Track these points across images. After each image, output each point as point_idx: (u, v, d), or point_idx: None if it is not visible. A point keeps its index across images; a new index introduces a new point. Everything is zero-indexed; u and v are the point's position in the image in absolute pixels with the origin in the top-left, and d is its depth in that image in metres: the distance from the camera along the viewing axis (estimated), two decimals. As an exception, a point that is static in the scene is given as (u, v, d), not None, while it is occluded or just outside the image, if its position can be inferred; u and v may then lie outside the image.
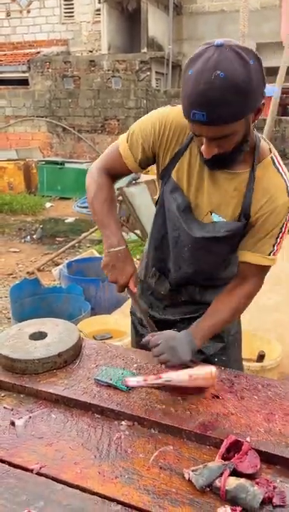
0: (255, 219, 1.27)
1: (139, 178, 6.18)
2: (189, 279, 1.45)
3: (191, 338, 1.26)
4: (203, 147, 1.13)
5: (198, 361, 1.30)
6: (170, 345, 1.22)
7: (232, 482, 0.89)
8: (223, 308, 1.32)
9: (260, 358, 2.62)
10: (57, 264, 5.15)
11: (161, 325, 1.51)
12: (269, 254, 1.28)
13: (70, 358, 1.33)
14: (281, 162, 1.28)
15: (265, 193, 1.24)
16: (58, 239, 6.74)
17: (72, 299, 3.70)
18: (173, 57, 11.25)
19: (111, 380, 1.21)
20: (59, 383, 1.23)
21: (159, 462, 0.98)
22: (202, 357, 1.46)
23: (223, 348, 1.52)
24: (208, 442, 1.04)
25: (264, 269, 1.33)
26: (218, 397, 1.18)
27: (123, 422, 1.10)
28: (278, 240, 1.28)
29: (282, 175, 1.25)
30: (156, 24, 11.53)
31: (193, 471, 0.93)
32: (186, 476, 0.93)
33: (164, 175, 1.35)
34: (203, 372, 1.18)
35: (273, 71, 9.36)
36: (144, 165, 1.37)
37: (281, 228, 1.26)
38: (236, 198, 1.27)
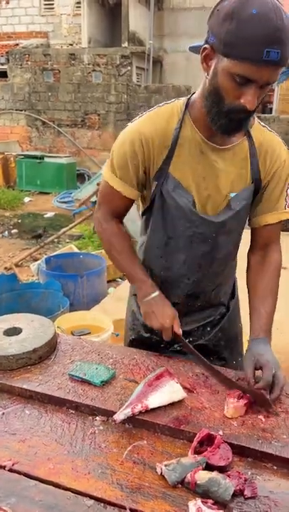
0: (267, 180, 1.31)
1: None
2: (208, 276, 1.39)
3: (268, 342, 1.28)
4: (247, 97, 1.06)
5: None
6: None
7: (204, 476, 0.90)
8: (269, 293, 1.36)
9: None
10: (35, 260, 5.10)
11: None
12: (285, 208, 1.34)
13: (45, 353, 1.32)
14: None
15: (271, 151, 1.28)
16: (36, 234, 6.66)
17: (51, 294, 3.68)
18: (154, 53, 11.19)
19: (85, 375, 1.20)
20: (33, 379, 1.22)
21: (133, 457, 0.98)
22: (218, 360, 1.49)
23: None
24: (182, 436, 1.04)
25: (281, 227, 1.39)
26: (192, 391, 1.19)
27: (97, 418, 1.10)
28: (287, 192, 1.34)
29: (272, 132, 1.32)
30: (137, 19, 11.47)
31: (166, 465, 0.93)
32: (159, 470, 0.93)
33: (159, 175, 1.28)
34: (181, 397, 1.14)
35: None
36: (140, 187, 1.35)
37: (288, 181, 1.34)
38: (245, 167, 1.28)
